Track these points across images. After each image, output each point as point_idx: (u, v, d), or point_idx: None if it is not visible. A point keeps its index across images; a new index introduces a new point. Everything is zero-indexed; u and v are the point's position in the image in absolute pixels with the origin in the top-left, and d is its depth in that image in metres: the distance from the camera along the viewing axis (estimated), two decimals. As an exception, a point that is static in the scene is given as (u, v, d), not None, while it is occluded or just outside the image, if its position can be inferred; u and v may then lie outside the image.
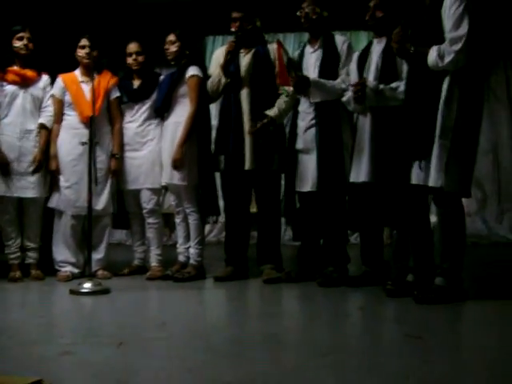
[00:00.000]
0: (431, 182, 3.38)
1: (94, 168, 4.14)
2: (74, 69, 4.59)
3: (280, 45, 4.27)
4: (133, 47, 4.58)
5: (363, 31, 6.92)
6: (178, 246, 4.63)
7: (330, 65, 4.24)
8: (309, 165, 4.25)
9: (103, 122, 4.51)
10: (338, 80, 4.20)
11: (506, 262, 5.53)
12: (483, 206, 7.24)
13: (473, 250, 5.78)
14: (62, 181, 4.45)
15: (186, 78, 4.39)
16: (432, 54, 3.34)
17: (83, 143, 4.23)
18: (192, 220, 4.46)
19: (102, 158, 4.44)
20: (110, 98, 4.56)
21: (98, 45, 4.43)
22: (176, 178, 4.40)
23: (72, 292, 3.86)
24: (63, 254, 4.48)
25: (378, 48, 4.05)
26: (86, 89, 4.44)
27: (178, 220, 4.59)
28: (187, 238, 4.53)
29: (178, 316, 3.31)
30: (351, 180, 4.08)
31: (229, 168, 4.41)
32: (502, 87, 7.38)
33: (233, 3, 4.41)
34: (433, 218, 3.77)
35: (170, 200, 4.74)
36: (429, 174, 3.39)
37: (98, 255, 4.48)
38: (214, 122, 4.62)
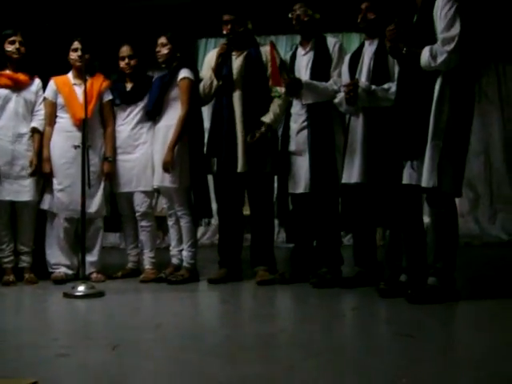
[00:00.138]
0: (424, 183, 3.39)
1: (87, 171, 4.14)
2: (66, 72, 4.59)
3: (273, 46, 4.28)
4: (125, 51, 4.58)
5: (355, 33, 6.95)
6: (171, 248, 4.62)
7: (322, 67, 4.25)
8: (301, 166, 4.26)
9: (96, 124, 4.51)
10: (330, 82, 4.22)
11: (498, 262, 5.56)
12: (475, 207, 7.28)
13: (465, 250, 5.80)
14: (55, 184, 4.44)
15: (178, 80, 4.38)
16: (425, 55, 3.36)
17: (76, 147, 4.24)
18: (184, 223, 4.46)
19: (94, 160, 4.45)
20: (102, 101, 4.56)
21: (90, 48, 4.43)
22: (167, 181, 4.39)
23: (66, 295, 3.85)
24: (57, 256, 4.47)
25: (369, 50, 4.06)
26: (79, 91, 4.44)
27: (170, 223, 4.58)
28: (180, 241, 4.53)
29: (172, 318, 3.30)
30: (344, 181, 4.09)
31: (221, 170, 4.41)
32: (493, 88, 7.42)
33: (224, 6, 4.42)
34: (426, 219, 3.79)
35: (163, 203, 4.74)
36: (421, 173, 3.41)
37: (91, 258, 4.47)
38: (207, 124, 4.63)
